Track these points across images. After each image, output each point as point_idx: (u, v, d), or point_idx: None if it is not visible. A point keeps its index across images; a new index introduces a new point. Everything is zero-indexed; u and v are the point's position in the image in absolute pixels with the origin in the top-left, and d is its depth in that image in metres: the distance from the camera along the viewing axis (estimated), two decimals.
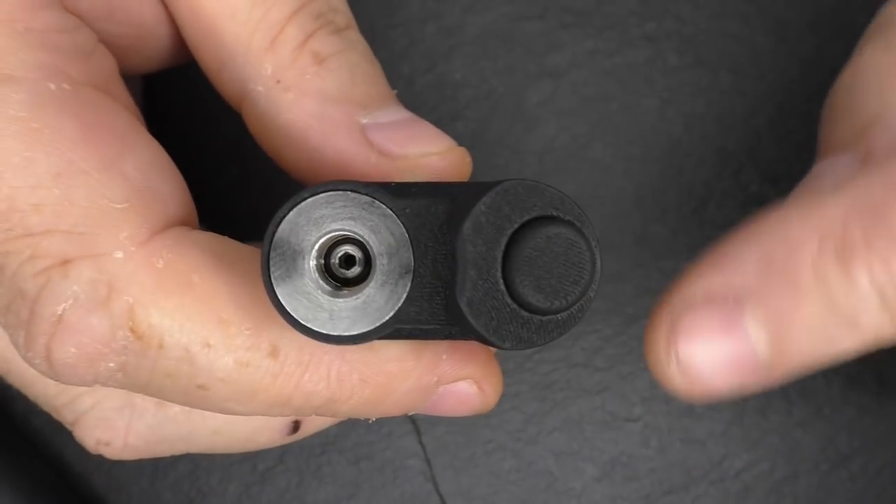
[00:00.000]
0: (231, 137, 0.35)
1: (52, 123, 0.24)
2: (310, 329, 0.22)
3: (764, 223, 0.23)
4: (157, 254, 0.24)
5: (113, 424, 0.29)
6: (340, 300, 0.22)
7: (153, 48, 0.29)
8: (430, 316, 0.22)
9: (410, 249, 0.22)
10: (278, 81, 0.27)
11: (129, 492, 0.37)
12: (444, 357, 0.25)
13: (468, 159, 0.27)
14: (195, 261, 0.24)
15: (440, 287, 0.22)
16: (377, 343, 0.24)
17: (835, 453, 0.35)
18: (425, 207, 0.22)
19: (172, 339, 0.24)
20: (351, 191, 0.22)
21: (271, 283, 0.22)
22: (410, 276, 0.22)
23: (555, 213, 0.21)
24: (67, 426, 0.30)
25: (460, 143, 0.28)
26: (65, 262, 0.23)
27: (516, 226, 0.21)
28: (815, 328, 0.22)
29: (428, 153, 0.27)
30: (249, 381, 0.24)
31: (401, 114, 0.27)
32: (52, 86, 0.24)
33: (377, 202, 0.22)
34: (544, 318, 0.21)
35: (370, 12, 0.35)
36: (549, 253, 0.21)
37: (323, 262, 0.22)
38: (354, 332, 0.22)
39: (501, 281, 0.21)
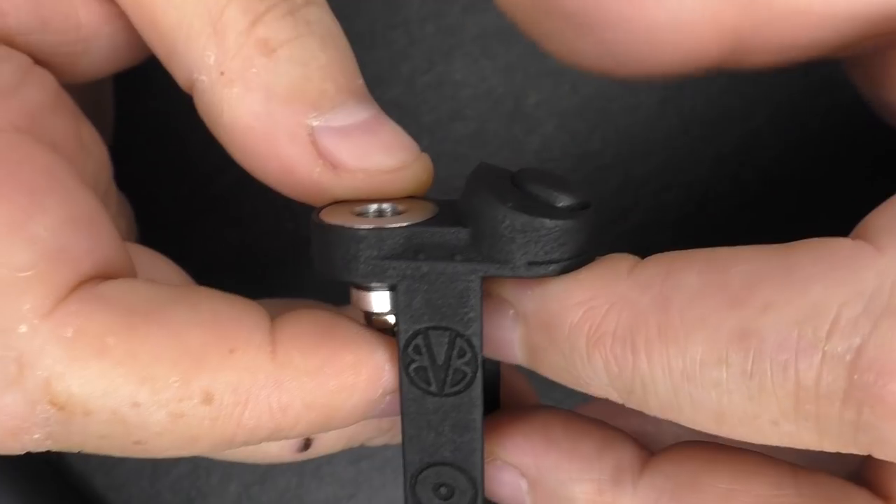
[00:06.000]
0: None
1: None
2: None
3: None
4: (65, 323, 0.22)
5: None
6: None
7: (102, 49, 0.27)
8: None
9: None
10: (222, 73, 0.24)
11: (129, 492, 0.37)
12: (385, 368, 0.24)
13: (426, 174, 0.25)
14: (107, 321, 0.23)
15: None
16: (316, 363, 0.24)
17: None
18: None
19: (97, 405, 0.23)
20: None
21: None
22: None
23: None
24: None
25: (460, 143, 0.27)
26: None
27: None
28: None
29: (379, 170, 0.25)
30: (187, 429, 0.23)
31: (359, 114, 0.25)
32: None
33: None
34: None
35: (370, 12, 0.35)
36: None
37: None
38: None
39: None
